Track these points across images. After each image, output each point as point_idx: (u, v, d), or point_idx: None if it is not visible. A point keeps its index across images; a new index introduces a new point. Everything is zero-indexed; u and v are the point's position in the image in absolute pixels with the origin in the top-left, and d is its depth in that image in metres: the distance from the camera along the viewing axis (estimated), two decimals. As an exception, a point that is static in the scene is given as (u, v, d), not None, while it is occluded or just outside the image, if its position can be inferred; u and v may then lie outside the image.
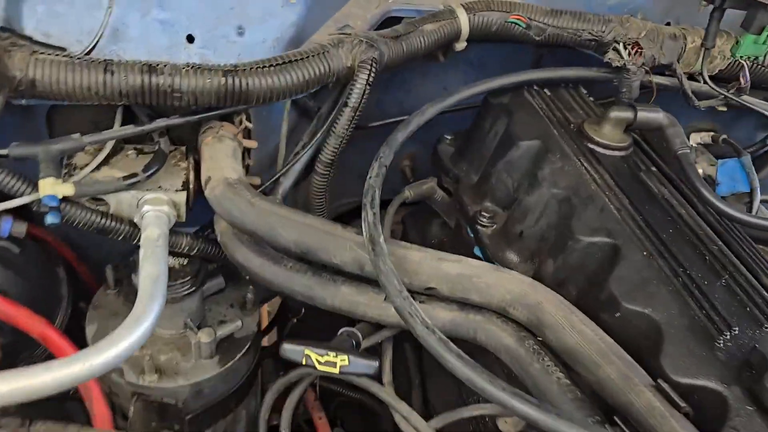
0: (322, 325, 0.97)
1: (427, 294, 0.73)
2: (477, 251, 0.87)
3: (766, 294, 0.68)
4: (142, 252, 0.69)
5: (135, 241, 0.75)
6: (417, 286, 0.72)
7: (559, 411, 0.56)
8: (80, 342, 0.74)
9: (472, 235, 0.90)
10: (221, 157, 0.77)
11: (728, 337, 0.63)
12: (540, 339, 0.69)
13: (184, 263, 0.81)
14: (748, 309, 0.66)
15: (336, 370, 0.64)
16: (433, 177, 1.03)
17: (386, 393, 0.71)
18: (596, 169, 0.82)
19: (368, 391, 0.75)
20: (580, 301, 0.71)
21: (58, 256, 0.91)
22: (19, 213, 0.74)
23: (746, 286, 0.68)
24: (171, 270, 0.80)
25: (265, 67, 0.73)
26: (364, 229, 0.70)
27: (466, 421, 0.88)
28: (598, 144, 0.86)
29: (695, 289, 0.67)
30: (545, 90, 0.96)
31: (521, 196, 0.85)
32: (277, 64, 0.73)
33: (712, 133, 0.97)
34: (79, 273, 0.95)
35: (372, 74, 0.79)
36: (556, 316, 0.66)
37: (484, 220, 0.88)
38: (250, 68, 0.73)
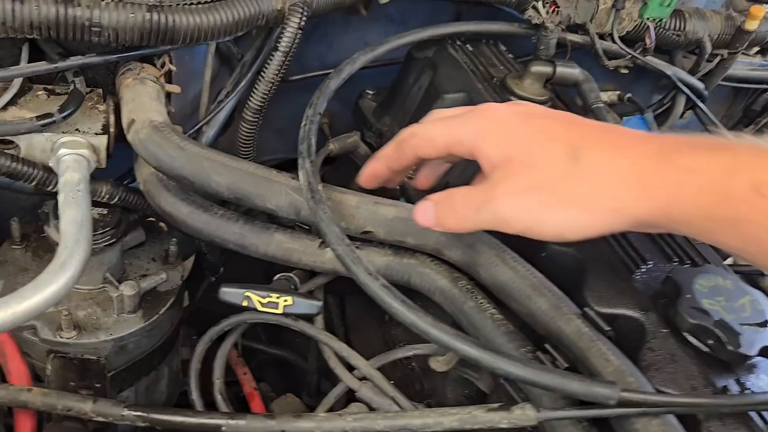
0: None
1: (362, 239, 0.73)
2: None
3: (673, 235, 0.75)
4: (61, 197, 0.65)
5: (51, 187, 0.70)
6: (353, 230, 0.72)
7: (499, 350, 0.59)
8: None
9: (398, 188, 0.91)
10: (145, 99, 0.73)
11: (644, 270, 0.68)
12: (473, 280, 0.72)
13: (104, 213, 0.77)
14: (658, 246, 0.72)
15: (279, 311, 0.63)
16: (356, 131, 1.03)
17: (325, 336, 0.72)
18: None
19: (303, 334, 0.75)
20: (507, 245, 0.75)
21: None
22: None
23: (656, 226, 0.74)
24: (89, 220, 0.76)
25: (192, 4, 0.70)
26: (301, 177, 0.69)
27: (393, 364, 0.90)
28: (519, 97, 0.89)
29: (613, 229, 0.72)
30: (467, 45, 0.98)
31: (447, 148, 0.87)
32: (205, 2, 0.70)
33: (618, 92, 1.04)
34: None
35: (303, 18, 0.77)
36: (489, 254, 0.69)
37: (410, 172, 0.89)
38: (177, 4, 0.69)
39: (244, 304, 0.63)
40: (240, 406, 0.99)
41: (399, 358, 0.75)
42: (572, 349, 0.60)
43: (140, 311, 0.79)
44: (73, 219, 0.61)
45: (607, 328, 0.61)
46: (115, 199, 0.76)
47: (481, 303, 0.69)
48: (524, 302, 0.65)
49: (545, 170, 0.55)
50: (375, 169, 0.69)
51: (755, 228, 0.48)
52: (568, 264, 0.71)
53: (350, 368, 0.76)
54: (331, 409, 0.76)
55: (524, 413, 0.53)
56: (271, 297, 0.63)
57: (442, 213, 0.60)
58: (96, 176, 0.75)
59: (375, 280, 0.59)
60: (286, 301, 0.63)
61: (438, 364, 0.75)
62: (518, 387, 0.65)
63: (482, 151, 0.58)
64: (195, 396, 0.72)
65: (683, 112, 1.18)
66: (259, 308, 0.63)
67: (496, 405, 0.55)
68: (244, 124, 0.82)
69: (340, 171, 1.12)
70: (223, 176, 0.70)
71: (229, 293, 0.63)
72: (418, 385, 0.87)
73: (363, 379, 0.75)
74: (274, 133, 1.11)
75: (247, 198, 0.71)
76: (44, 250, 0.82)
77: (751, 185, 0.47)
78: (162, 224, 0.94)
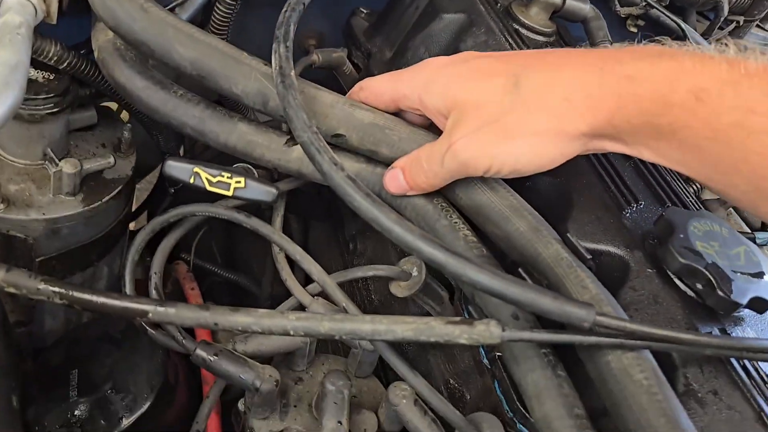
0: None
1: (334, 143, 0.66)
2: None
3: (668, 178, 0.69)
4: (-3, 39, 0.57)
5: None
6: (325, 131, 0.65)
7: (468, 256, 0.53)
8: None
9: (380, 110, 0.85)
10: (109, -50, 0.64)
11: (634, 208, 0.63)
12: (448, 200, 0.65)
13: (50, 77, 0.69)
14: (653, 188, 0.67)
15: (229, 193, 0.56)
16: (343, 48, 0.96)
17: (279, 235, 0.65)
18: (520, 48, 0.79)
19: (260, 261, 0.69)
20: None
21: None
22: None
23: (652, 170, 0.69)
24: (33, 83, 0.68)
25: None
26: (273, 62, 0.62)
27: (351, 292, 0.85)
28: (523, 25, 0.83)
29: (607, 165, 0.67)
30: (474, -33, 0.91)
31: (438, 71, 0.81)
32: None
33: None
34: None
35: None
36: (469, 173, 0.63)
37: None
38: None
39: (191, 180, 0.56)
40: (183, 324, 0.92)
41: (358, 277, 0.69)
42: (548, 275, 0.54)
43: (80, 195, 0.71)
44: (6, 61, 0.54)
45: (589, 257, 0.56)
46: (64, 64, 0.68)
47: (455, 223, 0.63)
48: (501, 224, 0.59)
49: (491, 105, 0.55)
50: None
51: (694, 135, 0.48)
52: (553, 195, 0.65)
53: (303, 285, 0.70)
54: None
55: (488, 329, 0.47)
56: (222, 177, 0.56)
57: (412, 175, 0.61)
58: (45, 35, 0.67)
59: (339, 170, 0.52)
60: (238, 182, 0.56)
61: (399, 289, 0.69)
62: (485, 316, 0.59)
63: (426, 105, 0.60)
64: (128, 289, 0.65)
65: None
66: (208, 187, 0.56)
67: (457, 318, 0.49)
68: (221, 5, 0.74)
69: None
70: (187, 48, 0.62)
71: (176, 167, 0.56)
72: (375, 317, 0.81)
73: (316, 296, 0.68)
74: (254, 49, 1.03)
75: (212, 77, 0.63)
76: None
77: (692, 91, 0.47)
78: (124, 116, 0.86)
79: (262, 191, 0.57)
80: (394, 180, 0.63)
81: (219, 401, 0.71)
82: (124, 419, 0.69)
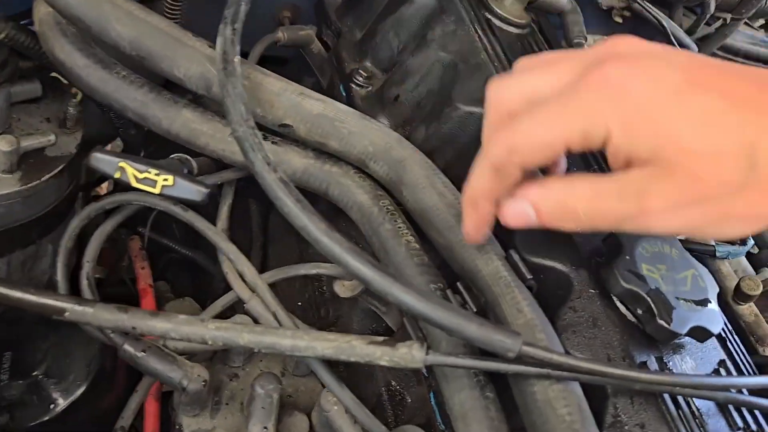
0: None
1: (281, 132, 0.64)
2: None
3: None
4: None
5: None
6: (271, 120, 0.62)
7: (396, 275, 0.50)
8: None
9: (344, 94, 0.81)
10: None
11: (585, 223, 0.61)
12: (396, 201, 0.63)
13: (-13, 49, 0.65)
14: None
15: (156, 190, 0.54)
16: (312, 26, 0.92)
17: (213, 232, 0.62)
18: (489, 40, 0.75)
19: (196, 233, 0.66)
20: (446, 173, 0.66)
21: None
22: None
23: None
24: (-33, 53, 0.65)
25: None
26: (218, 45, 0.59)
27: (303, 284, 0.83)
28: (496, 15, 0.79)
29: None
30: (450, -50, 0.86)
31: (405, 58, 0.78)
32: None
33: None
34: None
35: None
36: (418, 175, 0.61)
37: (360, 79, 0.80)
38: None
39: (117, 175, 0.54)
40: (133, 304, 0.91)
41: (300, 275, 0.67)
42: (486, 293, 0.53)
43: (18, 173, 0.68)
44: None
45: (529, 277, 0.54)
46: (2, 35, 0.64)
47: (399, 228, 0.60)
48: (444, 232, 0.57)
49: (713, 182, 0.42)
50: (482, 216, 0.51)
51: None
52: (505, 203, 0.63)
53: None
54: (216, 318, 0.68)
55: (410, 353, 0.46)
56: (149, 173, 0.54)
57: (554, 219, 0.46)
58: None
59: (271, 171, 0.50)
60: (165, 180, 0.54)
61: (342, 289, 0.67)
62: (419, 327, 0.57)
63: (617, 146, 0.43)
64: (60, 276, 0.63)
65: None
66: (133, 183, 0.54)
67: (380, 339, 0.47)
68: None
69: (287, 71, 1.01)
70: (126, 26, 0.59)
71: (101, 160, 0.54)
72: (324, 310, 0.79)
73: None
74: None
75: (152, 58, 0.60)
76: None
77: None
78: (75, 90, 0.83)
79: (191, 190, 0.55)
80: (520, 217, 0.47)
81: (159, 389, 0.70)
82: (56, 404, 0.68)
